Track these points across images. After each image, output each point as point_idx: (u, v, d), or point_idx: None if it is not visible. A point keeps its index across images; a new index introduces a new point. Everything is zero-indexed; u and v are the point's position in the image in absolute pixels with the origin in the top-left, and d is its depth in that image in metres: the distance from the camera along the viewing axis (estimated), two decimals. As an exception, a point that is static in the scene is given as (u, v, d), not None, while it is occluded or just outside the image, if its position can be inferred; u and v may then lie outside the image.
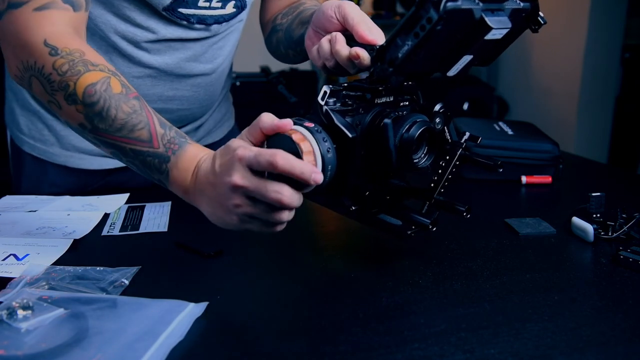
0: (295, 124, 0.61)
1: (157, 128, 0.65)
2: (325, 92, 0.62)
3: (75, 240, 0.78)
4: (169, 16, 0.87)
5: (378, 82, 0.64)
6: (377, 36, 0.68)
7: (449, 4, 0.53)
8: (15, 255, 0.72)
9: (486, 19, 0.56)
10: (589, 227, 0.76)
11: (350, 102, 0.64)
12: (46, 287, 0.63)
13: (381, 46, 0.61)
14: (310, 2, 0.97)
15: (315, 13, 0.77)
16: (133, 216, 0.88)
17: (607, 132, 3.05)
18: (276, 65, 3.09)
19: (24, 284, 0.64)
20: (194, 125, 1.09)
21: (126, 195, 0.97)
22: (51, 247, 0.75)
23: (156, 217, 0.87)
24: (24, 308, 0.56)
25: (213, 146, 0.86)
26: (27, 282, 0.65)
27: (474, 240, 0.77)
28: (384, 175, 0.66)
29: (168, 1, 0.84)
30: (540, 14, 0.61)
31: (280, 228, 0.62)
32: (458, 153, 0.67)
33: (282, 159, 0.56)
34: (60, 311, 0.57)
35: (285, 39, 0.92)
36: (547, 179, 1.05)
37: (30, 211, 0.89)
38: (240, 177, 0.57)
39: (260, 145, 0.61)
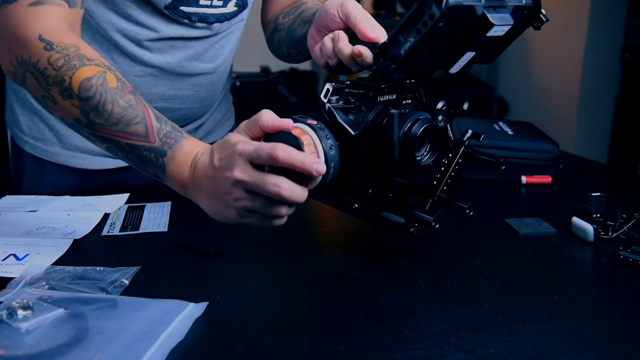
0: (297, 121, 0.61)
1: (153, 122, 0.65)
2: (328, 90, 0.62)
3: (75, 240, 0.78)
4: (171, 14, 0.87)
5: (381, 80, 0.64)
6: (380, 34, 0.68)
7: (451, 0, 0.53)
8: (15, 255, 0.72)
9: (488, 15, 0.56)
10: (589, 227, 0.76)
11: (352, 100, 0.64)
12: (46, 287, 0.63)
13: (383, 43, 0.61)
14: (311, 1, 0.97)
15: (318, 12, 0.78)
16: (133, 216, 0.88)
17: (607, 132, 3.05)
18: (276, 65, 3.09)
19: (24, 284, 0.64)
20: (194, 125, 1.09)
21: (126, 195, 0.97)
22: (51, 247, 0.75)
23: (156, 217, 0.87)
24: (24, 308, 0.56)
25: (213, 146, 0.86)
26: (27, 282, 0.65)
27: (474, 240, 0.77)
28: (387, 172, 0.66)
29: None
30: (543, 11, 0.61)
31: (279, 222, 0.62)
32: (461, 150, 0.67)
33: (282, 151, 0.56)
34: (60, 311, 0.57)
35: (287, 38, 0.93)
36: (547, 179, 1.05)
37: (30, 211, 0.89)
38: (240, 172, 0.58)
39: (258, 140, 0.61)
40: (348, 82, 0.65)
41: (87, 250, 0.76)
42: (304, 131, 0.60)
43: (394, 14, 3.50)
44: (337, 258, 0.74)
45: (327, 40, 0.71)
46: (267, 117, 0.60)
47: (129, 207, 0.92)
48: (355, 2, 0.73)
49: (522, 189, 1.03)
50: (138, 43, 0.90)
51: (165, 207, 0.91)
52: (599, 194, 0.81)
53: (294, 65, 3.19)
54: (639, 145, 2.94)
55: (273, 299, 0.64)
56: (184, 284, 0.66)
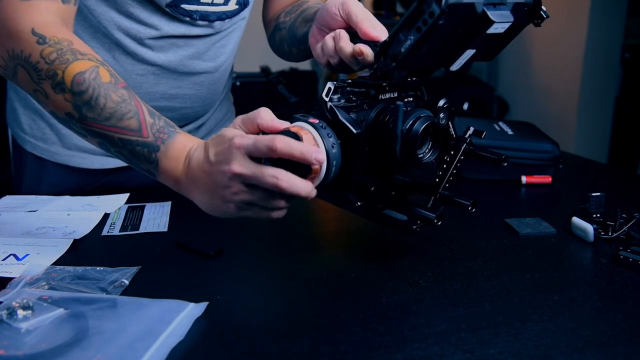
0: (299, 120, 0.62)
1: (147, 117, 0.65)
2: (329, 89, 0.62)
3: (75, 240, 0.78)
4: (172, 12, 0.87)
5: (382, 78, 0.64)
6: (381, 33, 0.68)
7: None
8: (15, 255, 0.72)
9: (488, 12, 0.56)
10: (589, 227, 0.76)
11: (354, 98, 0.64)
12: (46, 287, 0.63)
13: (384, 42, 0.61)
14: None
15: (319, 11, 0.78)
16: (133, 216, 0.88)
17: (607, 132, 3.05)
18: (276, 65, 3.09)
19: (24, 284, 0.64)
20: (195, 124, 1.09)
21: (126, 195, 0.97)
22: (51, 247, 0.75)
23: (156, 217, 0.87)
24: (24, 308, 0.56)
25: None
26: (27, 282, 0.64)
27: (474, 240, 0.77)
28: (389, 170, 0.66)
29: None
30: (543, 7, 0.61)
31: (277, 215, 0.62)
32: (462, 148, 0.67)
33: (281, 142, 0.56)
34: (60, 311, 0.57)
35: (288, 37, 0.93)
36: (547, 179, 1.05)
37: (30, 211, 0.89)
38: (238, 165, 0.58)
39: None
40: (350, 81, 0.65)
41: (87, 250, 0.76)
42: (303, 128, 0.60)
43: (394, 14, 3.50)
44: (337, 258, 0.74)
45: (329, 39, 0.71)
46: (266, 117, 0.60)
47: (129, 207, 0.92)
48: (357, 0, 0.73)
49: (522, 189, 1.03)
50: (140, 41, 0.90)
51: (165, 207, 0.91)
52: (599, 194, 0.81)
53: (294, 65, 3.19)
54: (639, 145, 2.94)
55: (273, 299, 0.64)
56: (184, 284, 0.66)
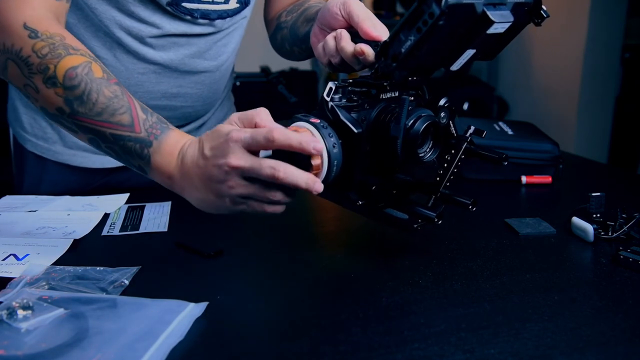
0: (300, 119, 0.62)
1: (139, 113, 0.65)
2: (330, 88, 0.63)
3: (75, 240, 0.78)
4: (173, 11, 0.87)
5: (383, 78, 0.64)
6: (382, 32, 0.68)
7: None
8: (15, 255, 0.72)
9: (488, 13, 0.57)
10: (589, 227, 0.76)
11: (355, 98, 0.64)
12: (46, 287, 0.63)
13: (385, 42, 0.61)
14: None
15: (321, 10, 0.78)
16: (133, 216, 0.88)
17: (607, 132, 3.05)
18: (276, 65, 3.08)
19: (24, 284, 0.64)
20: (196, 124, 1.09)
21: (126, 195, 0.97)
22: (51, 247, 0.75)
23: (156, 217, 0.87)
24: (24, 308, 0.56)
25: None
26: (27, 282, 0.64)
27: (474, 240, 0.77)
28: (390, 169, 0.66)
29: None
30: (543, 7, 0.61)
31: (273, 209, 0.62)
32: (463, 147, 0.67)
33: (278, 133, 0.56)
34: (60, 311, 0.57)
35: (290, 36, 0.93)
36: (547, 179, 1.05)
37: (30, 211, 0.89)
38: (236, 158, 0.58)
39: None
40: (351, 81, 0.65)
41: (87, 250, 0.76)
42: (303, 127, 0.60)
43: (394, 14, 3.50)
44: (337, 258, 0.74)
45: (330, 38, 0.72)
46: (266, 118, 0.60)
47: (129, 207, 0.92)
48: (358, 0, 0.73)
49: (522, 189, 1.03)
50: (141, 40, 0.90)
51: (165, 207, 0.91)
52: (599, 194, 0.81)
53: (294, 65, 3.19)
54: (639, 145, 2.94)
55: (273, 298, 0.64)
56: (184, 284, 0.66)
